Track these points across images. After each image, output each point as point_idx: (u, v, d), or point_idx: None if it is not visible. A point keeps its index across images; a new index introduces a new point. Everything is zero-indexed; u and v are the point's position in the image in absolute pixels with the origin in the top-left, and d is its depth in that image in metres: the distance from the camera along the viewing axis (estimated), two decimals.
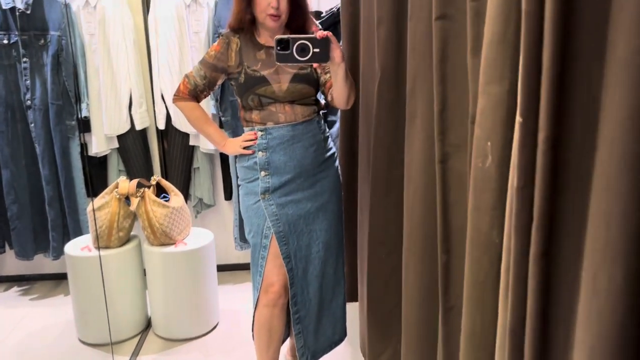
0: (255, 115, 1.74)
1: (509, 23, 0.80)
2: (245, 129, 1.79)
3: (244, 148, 1.75)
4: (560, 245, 0.62)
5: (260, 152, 1.73)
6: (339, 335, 1.95)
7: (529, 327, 0.65)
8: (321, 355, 1.92)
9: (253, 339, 1.85)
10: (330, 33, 1.52)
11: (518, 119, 0.65)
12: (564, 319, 0.62)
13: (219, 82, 1.79)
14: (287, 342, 2.09)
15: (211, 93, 1.86)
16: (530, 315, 0.65)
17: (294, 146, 1.72)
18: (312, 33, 1.75)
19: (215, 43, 1.76)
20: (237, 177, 1.86)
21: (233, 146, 1.78)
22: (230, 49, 1.73)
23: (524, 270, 0.66)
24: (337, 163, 1.87)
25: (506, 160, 0.84)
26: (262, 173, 1.73)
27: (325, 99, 1.80)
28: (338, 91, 1.66)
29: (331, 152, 1.84)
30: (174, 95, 1.80)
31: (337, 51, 1.53)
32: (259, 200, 1.74)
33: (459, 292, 1.01)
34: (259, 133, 1.73)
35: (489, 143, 0.87)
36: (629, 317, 0.54)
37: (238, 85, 1.72)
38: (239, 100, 1.78)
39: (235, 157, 1.85)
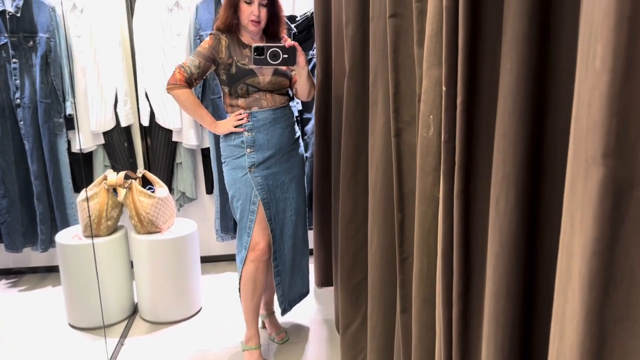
0: (241, 102, 2.03)
1: (442, 20, 1.00)
2: (230, 114, 2.05)
3: (235, 127, 2.01)
4: (475, 182, 0.82)
5: (246, 133, 2.01)
6: (306, 289, 2.32)
7: (456, 249, 0.84)
8: (294, 305, 2.27)
9: (239, 292, 2.13)
10: (297, 43, 1.89)
11: (443, 88, 0.85)
12: (480, 240, 0.82)
13: (208, 72, 2.04)
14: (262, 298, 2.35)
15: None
16: (456, 239, 0.84)
17: (274, 127, 2.03)
18: (282, 40, 2.10)
19: (207, 39, 2.03)
20: (222, 162, 2.12)
21: (224, 125, 2.04)
22: (221, 44, 2.01)
23: (450, 205, 0.86)
24: (301, 143, 2.19)
25: None
26: (248, 150, 2.02)
27: (291, 90, 2.15)
28: (301, 87, 2.06)
29: (298, 134, 2.16)
30: (169, 84, 2.00)
31: (301, 57, 1.92)
32: (246, 173, 2.03)
33: (412, 243, 1.21)
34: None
35: (431, 116, 1.07)
36: (521, 229, 0.74)
37: (229, 76, 2.00)
38: (226, 89, 2.05)
39: (216, 142, 2.08)
